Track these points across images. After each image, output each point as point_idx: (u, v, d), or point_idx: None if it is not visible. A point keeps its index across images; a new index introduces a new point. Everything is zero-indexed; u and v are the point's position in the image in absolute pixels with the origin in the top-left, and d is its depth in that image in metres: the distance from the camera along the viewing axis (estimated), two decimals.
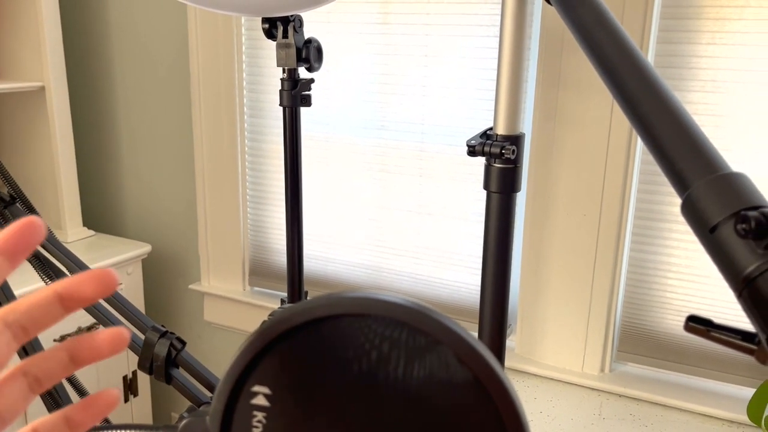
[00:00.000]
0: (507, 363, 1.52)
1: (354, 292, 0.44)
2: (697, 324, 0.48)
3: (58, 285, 0.30)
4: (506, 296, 0.90)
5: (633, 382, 1.42)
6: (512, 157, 0.84)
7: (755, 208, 0.43)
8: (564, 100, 1.37)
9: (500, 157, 0.84)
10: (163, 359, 0.72)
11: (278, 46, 1.07)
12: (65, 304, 0.30)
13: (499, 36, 0.83)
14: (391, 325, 0.38)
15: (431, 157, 1.56)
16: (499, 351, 0.92)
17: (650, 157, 1.33)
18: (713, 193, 0.45)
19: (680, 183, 0.49)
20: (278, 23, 1.05)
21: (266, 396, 0.40)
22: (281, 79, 1.10)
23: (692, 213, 0.46)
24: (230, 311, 1.87)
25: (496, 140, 0.85)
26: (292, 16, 1.04)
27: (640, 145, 1.34)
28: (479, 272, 1.29)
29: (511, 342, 1.57)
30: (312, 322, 0.40)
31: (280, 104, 1.10)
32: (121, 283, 1.78)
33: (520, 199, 1.49)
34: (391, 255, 1.65)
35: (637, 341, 1.44)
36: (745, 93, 1.24)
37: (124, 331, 0.31)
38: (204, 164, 1.81)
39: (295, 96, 1.08)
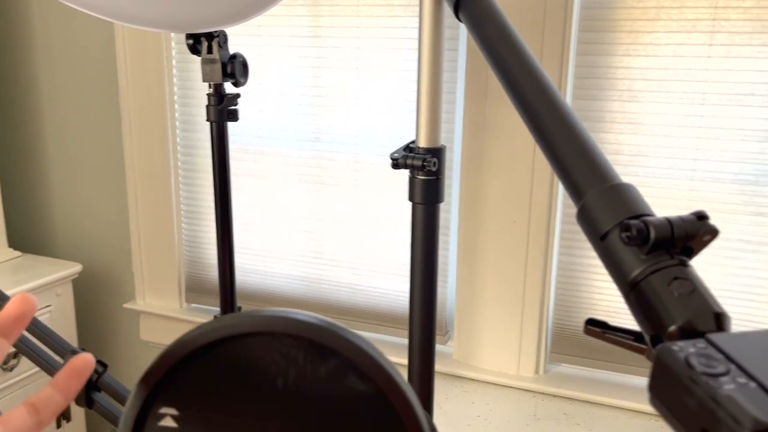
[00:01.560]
0: (445, 369, 1.54)
1: (261, 310, 0.44)
2: (594, 327, 0.51)
3: None
4: (434, 303, 0.92)
5: (566, 383, 1.47)
6: (434, 169, 0.86)
7: (638, 216, 0.46)
8: (491, 112, 1.41)
9: (422, 170, 0.86)
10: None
11: (203, 62, 1.06)
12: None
13: (418, 50, 0.85)
14: (296, 343, 0.39)
15: (366, 168, 1.57)
16: (429, 358, 0.94)
17: None
18: (603, 202, 0.48)
19: (575, 193, 0.51)
20: (202, 39, 1.05)
21: (174, 417, 0.40)
22: (207, 94, 1.09)
23: (585, 221, 0.49)
24: (167, 329, 1.84)
25: (418, 153, 0.87)
26: (216, 31, 1.04)
27: None
28: None
29: (449, 348, 1.59)
30: (217, 343, 0.40)
31: (207, 119, 1.10)
32: (49, 305, 1.73)
33: (453, 208, 1.52)
34: (329, 266, 1.66)
35: (569, 342, 1.49)
36: (659, 101, 1.30)
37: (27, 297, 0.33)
38: (136, 179, 1.78)
39: (222, 111, 1.07)
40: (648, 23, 1.28)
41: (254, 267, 1.73)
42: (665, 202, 1.32)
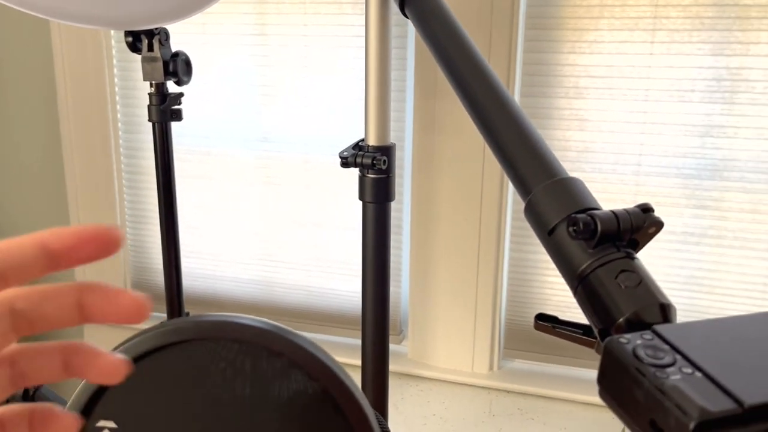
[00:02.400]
0: (400, 368, 1.54)
1: (205, 315, 0.42)
2: (544, 322, 0.51)
3: (79, 284, 0.25)
4: (387, 303, 0.91)
5: (520, 378, 1.48)
6: (384, 167, 0.85)
7: (584, 210, 0.46)
8: (441, 109, 1.41)
9: (372, 168, 0.85)
10: (19, 398, 0.67)
11: (144, 60, 1.03)
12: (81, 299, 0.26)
13: (364, 48, 0.84)
14: (242, 348, 0.38)
15: (316, 167, 1.55)
16: (382, 358, 0.93)
17: None
18: (550, 197, 0.48)
19: (522, 188, 0.51)
20: (142, 36, 1.01)
21: (112, 430, 0.38)
22: (149, 93, 1.06)
23: (533, 216, 0.49)
24: (113, 338, 1.77)
25: (368, 151, 0.85)
26: (156, 28, 1.01)
27: None
28: None
29: (404, 347, 1.59)
30: (157, 350, 0.38)
31: (149, 120, 1.06)
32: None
33: (405, 206, 1.51)
34: (282, 269, 1.63)
35: (522, 338, 1.50)
36: (604, 98, 1.33)
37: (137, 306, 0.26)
38: (77, 183, 1.71)
39: (164, 111, 1.04)
40: (592, 21, 1.30)
41: (204, 271, 1.69)
42: (612, 197, 1.35)
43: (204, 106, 1.59)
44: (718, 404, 0.32)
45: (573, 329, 0.49)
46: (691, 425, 0.31)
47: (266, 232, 1.62)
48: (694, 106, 1.28)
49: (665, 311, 0.42)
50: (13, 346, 0.26)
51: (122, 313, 0.26)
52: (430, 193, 1.45)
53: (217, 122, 1.59)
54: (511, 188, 1.42)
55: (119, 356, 0.27)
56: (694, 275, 1.34)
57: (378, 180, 0.86)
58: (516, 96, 1.37)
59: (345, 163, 0.86)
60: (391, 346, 1.59)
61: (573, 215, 0.44)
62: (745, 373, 0.35)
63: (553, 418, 1.38)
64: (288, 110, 1.54)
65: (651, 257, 1.35)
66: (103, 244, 0.25)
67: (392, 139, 1.47)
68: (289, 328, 0.40)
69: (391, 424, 1.36)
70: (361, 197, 0.88)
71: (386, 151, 0.86)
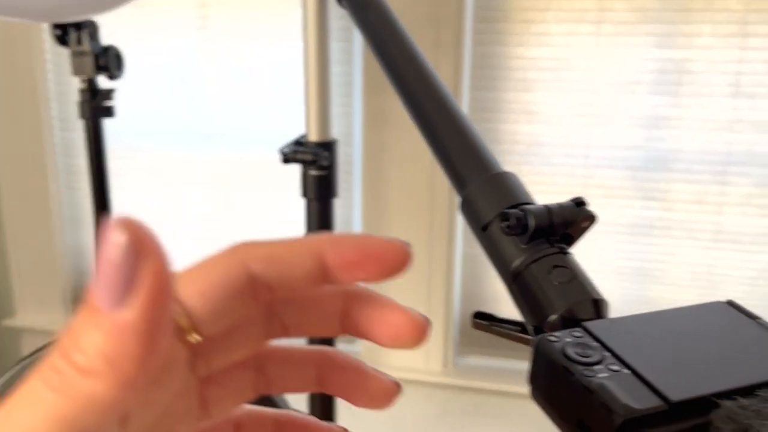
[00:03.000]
0: None
1: None
2: (481, 320, 0.49)
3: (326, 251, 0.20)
4: None
5: (476, 374, 1.47)
6: (326, 163, 0.82)
7: (518, 205, 0.44)
8: (391, 104, 1.38)
9: (314, 164, 0.82)
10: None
11: (73, 54, 0.97)
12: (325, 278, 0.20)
13: (303, 40, 0.81)
14: None
15: (264, 165, 1.51)
16: None
17: None
18: (484, 193, 0.46)
19: (458, 183, 0.49)
20: (70, 29, 0.96)
21: None
22: (80, 89, 1.00)
23: (468, 212, 0.47)
24: None
25: (309, 147, 0.82)
26: (84, 21, 0.95)
27: None
28: None
29: (357, 347, 1.56)
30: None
31: (81, 116, 1.01)
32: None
33: (356, 203, 1.49)
34: None
35: (477, 334, 1.49)
36: (553, 90, 1.32)
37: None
38: (9, 185, 1.63)
39: (96, 107, 0.99)
40: (539, 13, 1.29)
41: None
42: (561, 189, 1.34)
43: (143, 102, 1.53)
44: (644, 402, 0.31)
45: (511, 327, 0.47)
46: (617, 423, 0.30)
47: (213, 234, 1.57)
48: (640, 98, 1.28)
49: (598, 307, 0.41)
50: (263, 348, 0.22)
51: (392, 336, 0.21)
52: (381, 190, 1.43)
53: (158, 119, 1.54)
54: None
55: (390, 378, 0.23)
56: (644, 266, 1.35)
57: (320, 177, 0.83)
58: (465, 89, 1.35)
59: (286, 159, 0.83)
60: (344, 346, 1.57)
61: (505, 211, 0.43)
62: (672, 369, 0.34)
63: (509, 415, 1.37)
64: (231, 106, 1.49)
65: (602, 249, 1.36)
66: (392, 264, 0.21)
67: (340, 134, 1.45)
68: None
69: (345, 425, 1.34)
70: (304, 194, 0.85)
71: (328, 147, 0.83)
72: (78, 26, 0.96)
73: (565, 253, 0.43)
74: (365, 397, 0.23)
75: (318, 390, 0.23)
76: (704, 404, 0.32)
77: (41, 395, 0.15)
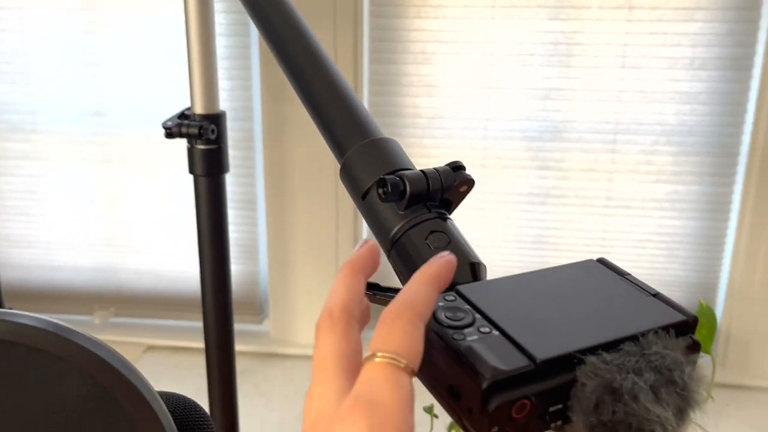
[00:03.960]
0: (263, 348, 1.49)
1: None
2: (366, 290, 0.48)
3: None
4: (228, 282, 0.86)
5: None
6: (213, 137, 0.79)
7: (396, 171, 0.43)
8: None
9: (200, 138, 0.78)
10: None
11: None
12: None
13: (183, 10, 0.77)
14: (9, 349, 0.34)
15: (159, 142, 1.44)
16: (227, 338, 0.88)
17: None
18: (363, 159, 0.45)
19: (338, 150, 0.48)
20: None
21: None
22: None
23: (348, 180, 0.45)
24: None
25: (194, 120, 0.79)
26: None
27: None
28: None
29: (266, 327, 1.54)
30: None
31: None
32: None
33: (259, 181, 1.45)
34: (127, 253, 1.51)
35: None
36: (451, 63, 1.33)
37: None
38: None
39: None
40: None
41: (38, 261, 1.53)
42: (462, 162, 1.36)
43: (28, 80, 1.42)
44: (511, 362, 0.31)
45: (394, 295, 0.47)
46: (484, 385, 0.30)
47: (106, 214, 1.49)
48: (534, 69, 1.31)
49: (475, 270, 0.41)
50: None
51: None
52: (284, 165, 1.40)
53: (43, 96, 1.43)
54: None
55: None
56: (541, 234, 1.39)
57: (208, 151, 0.80)
58: (365, 63, 1.34)
59: (170, 133, 0.79)
60: (253, 327, 1.54)
61: (383, 177, 0.42)
62: (541, 328, 0.34)
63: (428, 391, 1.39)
64: (122, 82, 1.41)
65: (500, 219, 1.39)
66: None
67: (238, 109, 1.40)
68: (69, 326, 0.35)
69: (251, 406, 1.32)
70: (191, 170, 0.81)
71: (215, 120, 0.79)
72: None
73: (444, 218, 0.43)
74: None
75: None
76: (570, 361, 0.32)
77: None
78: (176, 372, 1.44)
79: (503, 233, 1.39)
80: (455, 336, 0.33)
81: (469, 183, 0.45)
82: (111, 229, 1.50)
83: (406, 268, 0.42)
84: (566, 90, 1.32)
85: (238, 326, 1.52)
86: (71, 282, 1.54)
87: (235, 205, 1.45)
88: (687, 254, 1.37)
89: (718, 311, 1.40)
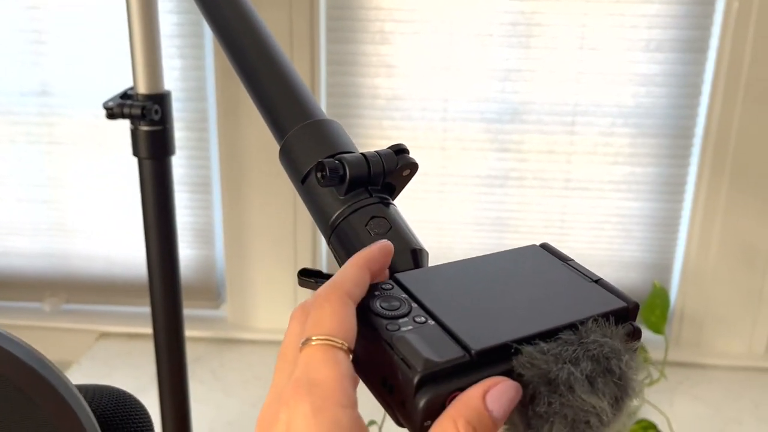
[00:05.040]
0: (220, 334, 1.46)
1: None
2: (307, 278, 0.47)
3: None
4: (176, 267, 0.83)
5: None
6: (157, 117, 0.76)
7: (335, 155, 0.41)
8: None
9: (143, 119, 0.75)
10: None
11: None
12: None
13: None
14: None
15: (108, 124, 1.39)
16: (176, 325, 0.85)
17: (337, 120, 1.35)
18: (302, 141, 0.43)
19: (278, 132, 0.46)
20: None
21: None
22: None
23: (287, 163, 0.44)
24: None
25: (137, 100, 0.75)
26: None
27: (324, 98, 1.35)
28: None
29: (223, 312, 1.51)
30: None
31: None
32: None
33: (214, 164, 1.41)
34: (78, 238, 1.47)
35: None
36: (411, 43, 1.31)
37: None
38: None
39: None
40: None
41: None
42: (421, 144, 1.35)
43: None
44: (446, 353, 0.30)
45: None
46: (416, 379, 0.29)
47: (56, 198, 1.44)
48: (494, 50, 1.30)
49: (416, 257, 0.39)
50: None
51: None
52: (239, 146, 1.37)
53: None
54: None
55: None
56: (500, 216, 1.39)
57: (152, 133, 0.77)
58: (322, 42, 1.31)
59: (111, 114, 0.75)
60: (210, 312, 1.51)
61: (321, 161, 0.40)
62: (478, 318, 0.33)
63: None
64: (69, 59, 1.35)
65: (459, 201, 1.38)
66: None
67: (192, 89, 1.36)
68: None
69: (208, 392, 1.29)
70: (135, 153, 0.78)
71: (159, 100, 0.76)
72: None
73: (386, 203, 0.41)
74: None
75: None
76: (507, 351, 0.31)
77: None
78: (131, 359, 1.40)
79: (462, 215, 1.39)
80: (389, 326, 0.32)
81: (413, 167, 0.43)
82: (61, 213, 1.45)
83: (346, 254, 0.41)
84: (525, 71, 1.31)
85: (194, 312, 1.50)
86: (19, 268, 1.49)
87: (190, 188, 1.41)
88: (643, 235, 1.39)
89: (673, 291, 1.42)
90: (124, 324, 1.47)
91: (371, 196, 0.41)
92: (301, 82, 0.48)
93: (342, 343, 0.29)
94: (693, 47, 1.27)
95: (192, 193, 1.41)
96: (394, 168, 0.41)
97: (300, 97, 0.46)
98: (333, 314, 0.29)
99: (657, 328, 1.31)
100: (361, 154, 0.41)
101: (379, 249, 0.34)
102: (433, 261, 0.39)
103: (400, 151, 0.42)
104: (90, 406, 0.47)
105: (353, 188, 0.41)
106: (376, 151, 0.42)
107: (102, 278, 1.49)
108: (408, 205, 1.37)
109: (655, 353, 1.33)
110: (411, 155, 0.43)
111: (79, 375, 1.36)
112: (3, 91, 1.38)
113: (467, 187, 1.37)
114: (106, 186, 1.43)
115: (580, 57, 1.29)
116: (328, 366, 0.28)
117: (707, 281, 1.38)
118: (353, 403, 0.27)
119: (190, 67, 1.34)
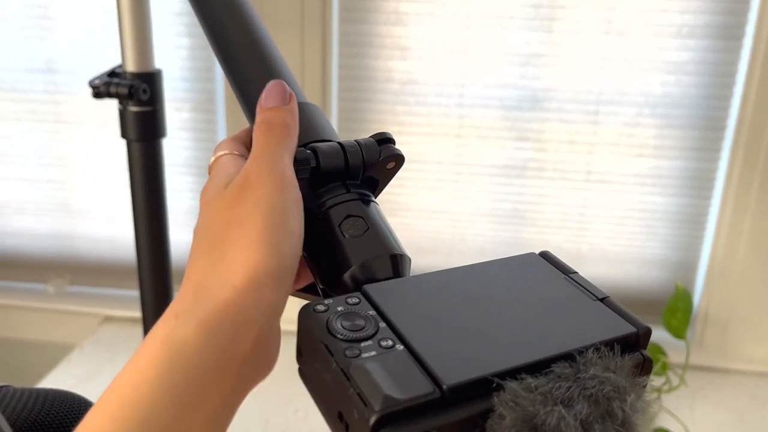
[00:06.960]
0: None
1: None
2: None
3: None
4: (166, 253, 0.79)
5: None
6: (146, 98, 0.71)
7: (309, 143, 0.36)
8: None
9: (131, 99, 0.71)
10: None
11: None
12: None
13: None
14: None
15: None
16: (163, 310, 0.81)
17: (349, 104, 1.30)
18: None
19: (251, 116, 0.41)
20: None
21: None
22: None
23: None
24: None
25: (125, 79, 0.71)
26: None
27: (336, 81, 1.29)
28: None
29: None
30: None
31: None
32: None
33: None
34: (83, 219, 1.44)
35: None
36: (426, 25, 1.25)
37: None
38: None
39: None
40: None
41: None
42: (436, 131, 1.29)
43: None
44: (411, 389, 0.25)
45: (311, 289, 0.40)
46: (372, 419, 0.24)
47: (62, 178, 1.42)
48: (513, 33, 1.23)
49: (396, 264, 0.34)
50: None
51: None
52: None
53: None
54: (335, 110, 1.32)
55: None
56: (517, 208, 1.33)
57: (142, 114, 0.73)
58: (334, 22, 1.26)
59: (97, 93, 0.71)
60: None
61: (298, 148, 0.35)
62: (456, 344, 0.28)
63: None
64: (76, 36, 1.32)
65: (475, 191, 1.32)
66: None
67: (199, 69, 1.32)
68: None
69: None
70: (123, 134, 0.74)
71: (148, 79, 0.72)
72: None
73: (365, 200, 0.36)
74: None
75: None
76: (487, 386, 0.26)
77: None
78: (135, 344, 1.38)
79: (477, 206, 1.33)
80: (347, 351, 0.27)
81: (398, 158, 0.38)
82: (66, 193, 1.43)
83: (313, 258, 0.36)
84: (547, 56, 1.24)
85: None
86: (24, 249, 1.47)
87: (197, 171, 1.38)
88: (667, 232, 1.32)
89: (697, 291, 1.35)
90: (129, 308, 1.45)
91: (349, 191, 0.36)
92: (279, 62, 0.43)
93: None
94: (727, 34, 1.19)
95: (198, 176, 1.38)
96: (376, 160, 0.36)
97: (273, 77, 0.41)
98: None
99: (678, 333, 1.24)
100: (338, 143, 0.36)
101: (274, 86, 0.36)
102: (445, 252, 0.34)
103: (383, 140, 0.37)
104: (40, 412, 0.43)
105: (328, 182, 0.36)
106: (355, 141, 0.37)
107: (107, 261, 1.46)
108: (421, 194, 1.31)
109: (675, 356, 1.27)
110: (412, 149, 0.38)
111: (82, 358, 1.34)
112: (8, 67, 1.35)
113: (483, 177, 1.31)
114: (113, 166, 1.40)
115: (606, 42, 1.22)
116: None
117: (734, 281, 1.31)
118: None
119: (198, 47, 1.30)
